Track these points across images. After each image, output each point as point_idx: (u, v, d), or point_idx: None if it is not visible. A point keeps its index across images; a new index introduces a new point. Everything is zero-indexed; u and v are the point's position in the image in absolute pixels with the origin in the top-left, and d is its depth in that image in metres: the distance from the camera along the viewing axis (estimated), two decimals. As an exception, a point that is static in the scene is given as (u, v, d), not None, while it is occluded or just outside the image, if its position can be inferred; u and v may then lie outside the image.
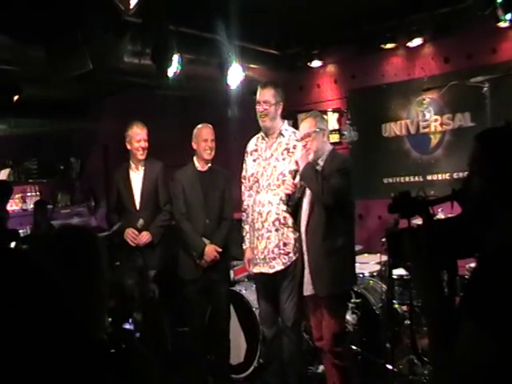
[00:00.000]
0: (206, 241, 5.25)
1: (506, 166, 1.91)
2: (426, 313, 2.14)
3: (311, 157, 4.56)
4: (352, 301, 5.15)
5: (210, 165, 5.40)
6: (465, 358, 1.77)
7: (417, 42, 6.26)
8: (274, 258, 4.85)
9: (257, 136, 5.17)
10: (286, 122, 5.16)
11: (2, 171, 3.68)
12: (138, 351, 2.07)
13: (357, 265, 4.84)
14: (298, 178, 4.69)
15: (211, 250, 5.22)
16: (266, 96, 4.95)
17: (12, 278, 1.55)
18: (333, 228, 4.42)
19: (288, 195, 4.76)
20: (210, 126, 5.43)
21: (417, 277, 2.11)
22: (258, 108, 4.96)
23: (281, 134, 4.99)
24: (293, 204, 4.74)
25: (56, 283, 1.64)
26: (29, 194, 8.04)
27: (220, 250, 5.25)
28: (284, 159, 4.92)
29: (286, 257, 4.83)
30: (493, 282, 1.74)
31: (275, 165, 4.94)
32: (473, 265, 4.55)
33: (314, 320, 4.71)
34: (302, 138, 4.62)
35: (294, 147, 4.89)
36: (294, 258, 4.82)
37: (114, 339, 2.03)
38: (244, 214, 5.16)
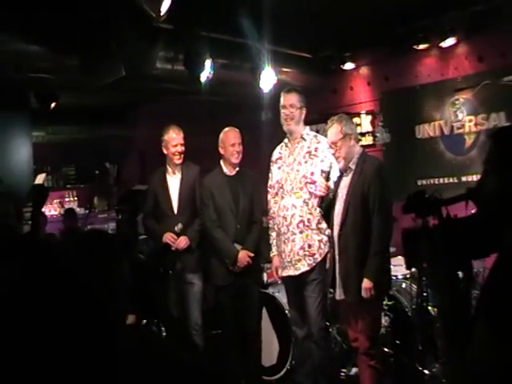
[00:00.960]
0: (238, 246, 5.27)
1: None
2: (440, 313, 2.12)
3: (341, 164, 4.58)
4: (385, 303, 5.12)
5: (237, 169, 5.41)
6: (479, 359, 1.75)
7: (450, 41, 6.19)
8: (300, 260, 4.87)
9: (280, 144, 5.21)
10: (307, 127, 5.19)
11: (38, 176, 3.76)
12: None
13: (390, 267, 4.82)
14: (330, 180, 4.71)
15: (244, 256, 5.25)
16: (292, 100, 4.99)
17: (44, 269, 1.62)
18: (367, 234, 4.40)
19: (321, 197, 4.78)
20: (237, 129, 5.43)
21: (432, 277, 2.10)
22: (284, 112, 4.99)
23: (302, 138, 5.02)
24: (325, 205, 4.76)
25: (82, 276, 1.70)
26: (67, 200, 8.21)
27: (252, 254, 5.27)
28: (306, 162, 4.95)
29: (311, 258, 4.85)
30: (510, 283, 1.73)
31: (298, 168, 4.97)
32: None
33: (348, 322, 4.71)
34: (330, 147, 4.64)
35: (316, 150, 4.93)
36: (319, 259, 4.85)
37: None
38: (271, 221, 5.18)
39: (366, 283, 4.33)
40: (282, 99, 5.04)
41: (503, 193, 1.87)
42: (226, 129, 5.44)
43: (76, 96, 6.96)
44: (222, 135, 5.41)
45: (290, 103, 4.98)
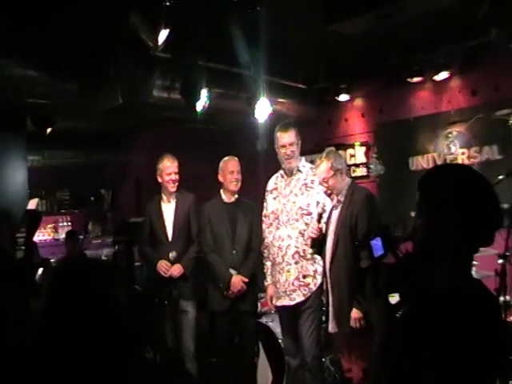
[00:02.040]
0: (233, 272, 5.29)
1: (437, 209, 1.87)
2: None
3: (334, 201, 4.62)
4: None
5: (236, 196, 5.46)
6: None
7: (443, 75, 6.28)
8: (295, 290, 4.90)
9: (276, 175, 5.25)
10: (303, 158, 5.21)
11: (31, 201, 3.77)
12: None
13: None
14: (322, 222, 4.73)
15: (238, 281, 5.26)
16: (291, 138, 5.00)
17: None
18: (358, 268, 4.40)
19: (313, 238, 4.79)
20: (236, 158, 5.49)
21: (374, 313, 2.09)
22: (285, 152, 5.00)
23: (299, 170, 5.06)
24: (317, 246, 4.78)
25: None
26: (61, 224, 8.20)
27: (247, 280, 5.29)
28: (302, 194, 4.99)
29: (306, 288, 4.88)
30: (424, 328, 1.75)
31: (294, 200, 5.00)
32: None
33: (342, 353, 4.71)
34: (320, 183, 4.67)
35: (312, 182, 4.97)
36: (314, 289, 4.88)
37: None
38: (265, 251, 5.21)
39: (355, 313, 4.34)
40: (279, 138, 5.04)
41: (426, 236, 1.88)
42: (226, 158, 5.50)
43: (72, 121, 7.00)
44: (221, 163, 5.47)
45: (290, 142, 4.99)
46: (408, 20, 4.73)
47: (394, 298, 1.99)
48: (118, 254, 3.80)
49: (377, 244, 2.17)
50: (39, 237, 7.72)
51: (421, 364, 1.73)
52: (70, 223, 8.32)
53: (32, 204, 3.76)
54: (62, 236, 7.90)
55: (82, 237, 7.16)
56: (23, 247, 3.25)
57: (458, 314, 1.73)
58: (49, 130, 6.20)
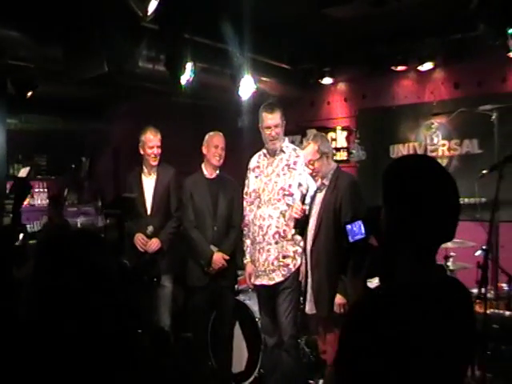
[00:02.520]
0: (214, 248, 5.31)
1: (395, 201, 1.84)
2: None
3: (319, 183, 4.64)
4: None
5: (218, 172, 5.46)
6: None
7: (428, 66, 6.32)
8: (274, 270, 4.93)
9: (258, 153, 5.25)
10: (286, 138, 5.22)
11: (23, 169, 3.76)
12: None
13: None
14: (306, 202, 4.75)
15: (219, 258, 5.28)
16: (276, 119, 5.00)
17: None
18: (339, 250, 4.46)
19: (296, 219, 4.81)
20: (221, 134, 5.48)
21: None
22: (270, 133, 5.00)
23: (282, 150, 5.07)
24: (300, 227, 4.80)
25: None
26: (37, 190, 8.08)
27: (227, 257, 5.31)
28: (285, 174, 5.01)
29: (285, 269, 4.92)
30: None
31: (276, 180, 5.02)
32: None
33: (318, 335, 4.77)
34: (306, 165, 4.68)
35: (295, 163, 5.00)
36: (293, 269, 4.92)
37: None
38: (245, 228, 5.24)
39: (340, 299, 4.38)
40: (264, 119, 5.02)
41: (386, 231, 1.89)
42: (212, 132, 5.49)
43: (53, 86, 6.88)
44: (207, 136, 5.46)
45: (275, 124, 4.99)
46: (396, 9, 4.76)
47: (373, 283, 2.01)
48: (109, 227, 3.80)
49: (354, 228, 2.19)
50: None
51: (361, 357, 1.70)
52: (46, 189, 8.22)
53: (23, 172, 3.75)
54: (38, 202, 7.83)
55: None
56: (11, 214, 3.25)
57: (405, 308, 1.70)
58: (29, 93, 6.09)
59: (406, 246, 1.80)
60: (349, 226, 2.18)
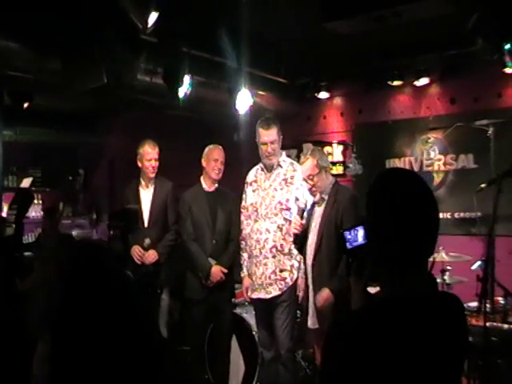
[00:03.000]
0: (212, 261, 5.30)
1: (373, 216, 1.83)
2: None
3: (318, 197, 4.64)
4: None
5: (217, 185, 5.46)
6: None
7: (424, 81, 6.36)
8: (271, 284, 4.92)
9: (256, 167, 5.25)
10: (283, 152, 5.23)
11: (25, 180, 3.77)
12: None
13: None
14: (304, 217, 4.74)
15: (217, 271, 5.28)
16: (273, 135, 4.99)
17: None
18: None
19: (295, 234, 4.80)
20: (221, 147, 5.49)
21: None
22: (266, 149, 4.99)
23: (279, 165, 5.07)
24: (299, 242, 4.80)
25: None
26: (31, 202, 8.03)
27: (226, 271, 5.32)
28: (282, 189, 5.01)
29: (282, 282, 4.91)
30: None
31: (273, 194, 5.02)
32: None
33: (318, 349, 4.74)
34: (304, 180, 4.69)
35: (292, 178, 5.00)
36: (290, 283, 4.91)
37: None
38: (243, 242, 5.23)
39: (326, 294, 4.36)
40: (261, 135, 5.02)
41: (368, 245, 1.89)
42: (212, 145, 5.50)
43: (48, 99, 6.87)
44: (206, 149, 5.47)
45: (272, 140, 4.98)
46: (393, 24, 4.79)
47: (374, 288, 2.00)
48: (113, 238, 3.79)
49: (353, 235, 2.19)
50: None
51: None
52: (40, 201, 8.18)
53: (25, 183, 3.73)
54: (33, 214, 7.77)
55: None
56: (13, 225, 3.23)
57: (384, 325, 1.68)
58: (26, 105, 6.08)
59: (386, 261, 1.78)
60: (347, 233, 2.19)
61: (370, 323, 1.68)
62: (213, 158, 5.37)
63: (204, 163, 5.42)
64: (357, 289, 1.95)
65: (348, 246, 2.18)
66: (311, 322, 4.64)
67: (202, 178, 5.47)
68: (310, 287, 4.62)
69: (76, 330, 1.65)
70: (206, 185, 5.44)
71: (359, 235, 2.14)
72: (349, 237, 2.19)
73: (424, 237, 1.77)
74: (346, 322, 1.75)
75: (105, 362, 1.63)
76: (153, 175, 5.65)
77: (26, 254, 4.63)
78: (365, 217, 1.87)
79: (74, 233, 7.69)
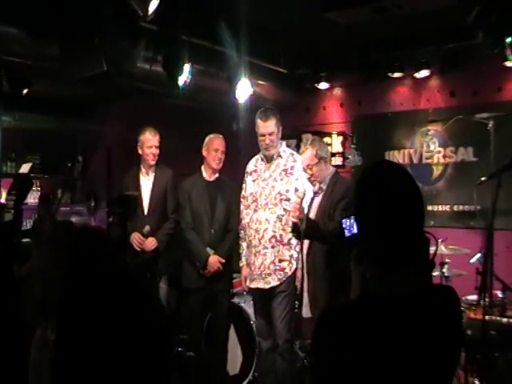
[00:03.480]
0: (210, 251, 5.32)
1: (357, 210, 1.84)
2: None
3: (317, 187, 4.63)
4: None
5: (217, 175, 5.46)
6: None
7: (424, 73, 6.33)
8: (270, 274, 4.93)
9: (256, 157, 5.25)
10: (283, 143, 5.22)
11: (24, 165, 3.75)
12: None
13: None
14: (303, 207, 4.72)
15: (215, 261, 5.29)
16: (271, 127, 4.99)
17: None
18: (335, 255, 4.45)
19: (293, 223, 4.79)
20: (222, 137, 5.48)
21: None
22: (265, 141, 4.99)
23: (279, 155, 5.07)
24: (297, 231, 4.79)
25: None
26: (29, 189, 8.03)
27: (223, 260, 5.35)
28: (282, 179, 5.01)
29: (281, 273, 4.92)
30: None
31: (273, 185, 5.02)
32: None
33: None
34: (304, 170, 4.68)
35: (292, 168, 5.00)
36: (289, 273, 4.93)
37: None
38: (242, 231, 5.23)
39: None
40: (259, 127, 5.02)
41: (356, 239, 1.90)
42: (212, 135, 5.53)
43: (47, 85, 6.84)
44: (207, 139, 5.48)
45: (270, 132, 4.98)
46: (394, 16, 4.77)
47: None
48: (112, 225, 3.80)
49: (350, 223, 2.19)
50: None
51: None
52: (39, 188, 8.17)
53: (24, 168, 3.72)
54: (31, 200, 7.76)
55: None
56: (12, 210, 3.22)
57: (370, 322, 1.69)
58: (25, 91, 6.06)
59: (372, 258, 1.78)
60: (344, 221, 2.19)
61: (356, 321, 1.68)
62: (213, 148, 5.38)
63: (205, 153, 5.42)
64: (356, 275, 1.92)
65: (346, 233, 2.19)
66: (305, 311, 4.69)
67: (202, 167, 5.48)
68: (305, 276, 4.62)
69: (79, 316, 1.64)
70: (207, 174, 5.45)
71: (355, 224, 2.14)
72: (346, 225, 2.19)
73: (409, 233, 1.75)
74: (334, 314, 1.76)
75: (109, 347, 1.63)
76: (153, 162, 5.67)
77: (25, 240, 4.63)
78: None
79: (73, 220, 7.70)
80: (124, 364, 1.63)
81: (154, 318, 1.75)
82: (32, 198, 7.81)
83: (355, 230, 2.07)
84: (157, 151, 5.65)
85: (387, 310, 1.69)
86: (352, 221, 2.18)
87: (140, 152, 5.68)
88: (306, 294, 4.64)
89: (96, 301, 1.67)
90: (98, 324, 1.63)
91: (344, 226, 2.18)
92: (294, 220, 4.70)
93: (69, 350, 1.62)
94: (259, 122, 5.02)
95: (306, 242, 4.64)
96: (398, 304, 1.70)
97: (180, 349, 5.58)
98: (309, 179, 4.68)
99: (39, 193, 7.99)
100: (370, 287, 1.77)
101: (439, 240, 4.64)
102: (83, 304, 1.66)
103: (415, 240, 1.75)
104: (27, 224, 7.13)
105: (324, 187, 4.64)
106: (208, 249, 5.31)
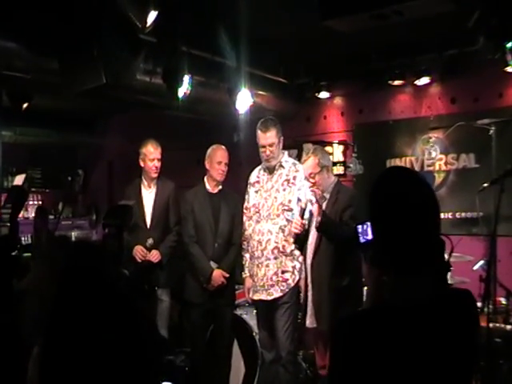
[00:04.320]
0: (214, 265, 5.25)
1: (373, 216, 1.82)
2: None
3: (319, 196, 4.62)
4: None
5: (220, 187, 5.41)
6: None
7: (424, 80, 6.32)
8: (273, 286, 4.89)
9: (258, 168, 5.23)
10: (286, 153, 5.19)
11: (17, 177, 3.74)
12: None
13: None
14: (305, 217, 4.71)
15: (218, 275, 5.24)
16: (271, 138, 4.96)
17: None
18: (340, 264, 4.46)
19: (296, 234, 4.78)
20: (224, 148, 5.44)
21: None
22: (265, 152, 4.97)
23: (281, 165, 5.04)
24: (300, 242, 4.78)
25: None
26: (31, 203, 8.04)
27: (227, 275, 5.28)
28: (284, 190, 4.98)
29: (284, 284, 4.88)
30: None
31: (276, 195, 4.99)
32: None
33: (317, 350, 4.73)
34: (306, 178, 4.66)
35: (294, 178, 4.97)
36: (292, 284, 4.89)
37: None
38: (245, 243, 5.19)
39: None
40: (259, 138, 5.00)
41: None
42: (215, 146, 5.46)
43: (48, 99, 6.86)
44: (210, 151, 5.42)
45: (270, 143, 4.95)
46: (394, 23, 4.76)
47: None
48: (108, 237, 3.77)
49: (365, 229, 2.17)
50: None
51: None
52: (40, 202, 8.17)
53: (18, 180, 3.70)
54: (32, 215, 7.76)
55: (52, 216, 7.06)
56: (8, 224, 3.20)
57: (387, 329, 1.68)
58: (25, 105, 6.06)
59: (389, 263, 1.75)
60: (359, 227, 2.17)
61: (374, 329, 1.67)
62: (216, 161, 5.32)
63: (207, 165, 5.36)
64: (371, 278, 1.92)
65: (361, 239, 2.18)
66: (309, 322, 4.65)
67: (205, 179, 5.42)
68: (309, 286, 4.62)
69: (67, 332, 1.62)
70: (210, 186, 5.39)
71: (369, 231, 2.11)
72: (360, 231, 2.18)
73: (425, 239, 1.73)
74: (352, 322, 1.74)
75: (98, 362, 1.60)
76: (155, 175, 5.64)
77: (26, 254, 4.60)
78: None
79: (74, 233, 7.68)
80: (108, 376, 1.61)
81: (140, 334, 1.73)
82: (33, 213, 7.81)
83: (369, 237, 2.05)
84: (159, 164, 5.62)
85: (405, 318, 1.68)
86: (366, 227, 2.15)
87: (142, 165, 5.65)
88: (310, 304, 4.62)
89: (80, 315, 1.65)
90: (81, 338, 1.60)
91: (359, 231, 2.16)
92: (296, 231, 4.69)
93: (52, 364, 1.59)
94: (259, 133, 5.00)
95: (310, 252, 4.61)
96: (416, 311, 1.68)
97: (171, 357, 5.56)
98: (310, 187, 4.66)
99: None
100: (387, 294, 1.75)
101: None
102: (67, 318, 1.64)
103: (432, 245, 1.75)
104: (28, 238, 7.13)
105: (327, 196, 4.63)
106: (211, 263, 5.25)
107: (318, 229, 4.51)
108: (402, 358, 1.63)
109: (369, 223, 2.11)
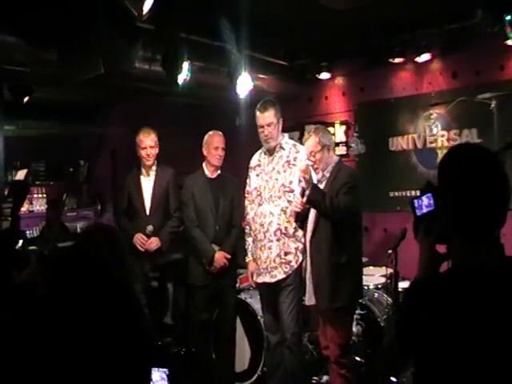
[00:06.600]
0: (216, 247, 5.31)
1: (445, 189, 1.95)
2: None
3: (320, 175, 4.62)
4: (357, 312, 5.15)
5: (219, 172, 5.46)
6: None
7: (425, 57, 6.28)
8: (276, 268, 4.92)
9: (259, 152, 5.25)
10: (286, 135, 5.19)
11: (19, 171, 3.76)
12: None
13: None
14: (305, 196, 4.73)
15: (220, 257, 5.29)
16: (269, 118, 4.98)
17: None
18: (338, 242, 4.47)
19: (297, 213, 4.79)
20: (221, 133, 5.47)
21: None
22: (263, 132, 5.00)
23: (281, 147, 5.06)
24: (301, 220, 4.79)
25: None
26: (35, 196, 8.07)
27: (229, 256, 5.34)
28: (285, 171, 5.00)
29: (287, 266, 4.90)
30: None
31: (277, 177, 5.01)
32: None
33: (320, 329, 4.75)
34: (307, 157, 4.66)
35: (295, 159, 4.99)
36: (295, 266, 4.92)
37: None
38: (247, 227, 5.23)
39: None
40: (258, 118, 5.03)
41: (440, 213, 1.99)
42: (211, 132, 5.50)
43: (48, 91, 6.85)
44: (206, 137, 5.46)
45: (268, 123, 4.97)
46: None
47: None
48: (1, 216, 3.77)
49: (421, 202, 2.21)
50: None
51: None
52: (45, 195, 8.19)
53: (20, 175, 3.71)
54: (37, 208, 7.81)
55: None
56: (9, 218, 3.21)
57: (449, 294, 1.80)
58: (26, 99, 6.07)
59: (457, 231, 1.89)
60: (415, 201, 2.21)
61: (448, 290, 1.81)
62: (213, 147, 5.38)
63: (205, 151, 5.42)
64: (425, 247, 2.01)
65: (418, 212, 2.22)
66: (308, 299, 4.67)
67: (204, 165, 5.47)
68: (309, 264, 4.64)
69: (59, 316, 1.63)
70: (209, 171, 5.45)
71: (423, 204, 2.16)
72: (417, 205, 2.23)
73: (493, 209, 1.87)
74: (426, 285, 1.90)
75: (94, 361, 1.62)
76: (149, 163, 5.63)
77: (31, 248, 4.61)
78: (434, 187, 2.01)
79: (79, 224, 7.71)
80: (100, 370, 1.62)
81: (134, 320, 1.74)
82: (38, 206, 7.85)
83: (425, 210, 2.10)
84: (151, 151, 5.59)
85: (479, 279, 1.81)
86: (421, 202, 2.20)
87: (138, 153, 5.66)
88: (308, 282, 4.64)
89: (72, 300, 1.66)
90: (72, 323, 1.62)
91: (416, 205, 2.20)
92: (296, 209, 4.70)
93: (47, 363, 1.60)
94: (258, 113, 5.04)
95: (310, 230, 4.63)
96: (488, 274, 1.82)
97: (168, 339, 5.60)
98: (312, 166, 4.66)
99: (45, 200, 8.02)
100: (456, 259, 1.90)
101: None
102: (60, 304, 1.65)
103: (497, 216, 1.89)
104: (33, 232, 7.15)
105: (327, 175, 4.63)
106: (213, 245, 5.31)
107: (307, 202, 4.53)
108: (478, 318, 1.76)
109: (423, 198, 2.16)
